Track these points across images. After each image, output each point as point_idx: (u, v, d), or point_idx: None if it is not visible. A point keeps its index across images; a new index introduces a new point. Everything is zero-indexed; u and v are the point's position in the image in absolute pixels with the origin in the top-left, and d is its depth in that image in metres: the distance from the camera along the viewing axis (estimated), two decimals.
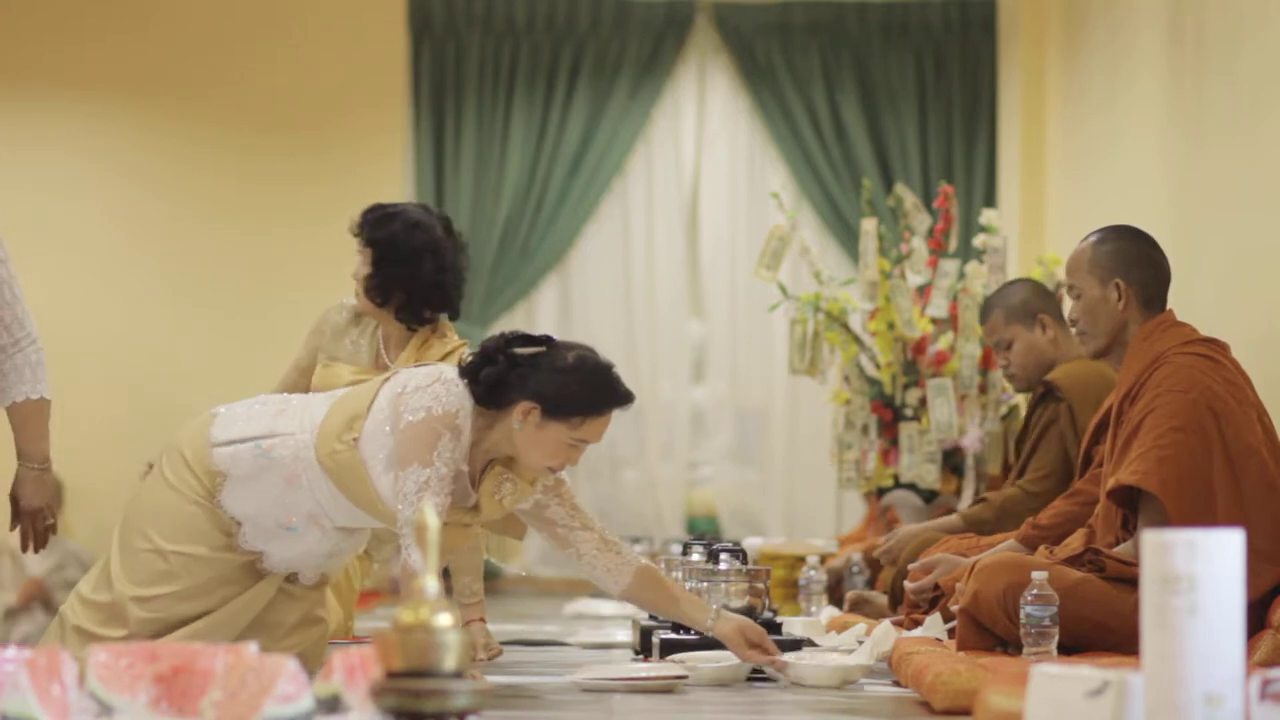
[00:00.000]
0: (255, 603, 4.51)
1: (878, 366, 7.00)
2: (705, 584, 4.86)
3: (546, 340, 4.41)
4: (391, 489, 4.31)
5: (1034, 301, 5.83)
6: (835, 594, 6.61)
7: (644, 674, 4.37)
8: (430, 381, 4.33)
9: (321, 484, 4.38)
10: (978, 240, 7.08)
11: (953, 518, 5.90)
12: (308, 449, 4.37)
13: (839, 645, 5.18)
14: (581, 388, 4.34)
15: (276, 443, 4.39)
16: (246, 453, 4.38)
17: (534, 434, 4.32)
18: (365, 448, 4.33)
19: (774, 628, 4.90)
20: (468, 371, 4.37)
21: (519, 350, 4.36)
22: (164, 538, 4.42)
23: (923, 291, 7.00)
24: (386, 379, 4.44)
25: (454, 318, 5.21)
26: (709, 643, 4.71)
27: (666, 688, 4.30)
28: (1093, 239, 4.73)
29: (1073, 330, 4.80)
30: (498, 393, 4.34)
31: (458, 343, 5.16)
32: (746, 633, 4.49)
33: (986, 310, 5.93)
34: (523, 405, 4.32)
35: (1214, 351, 4.59)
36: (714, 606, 4.59)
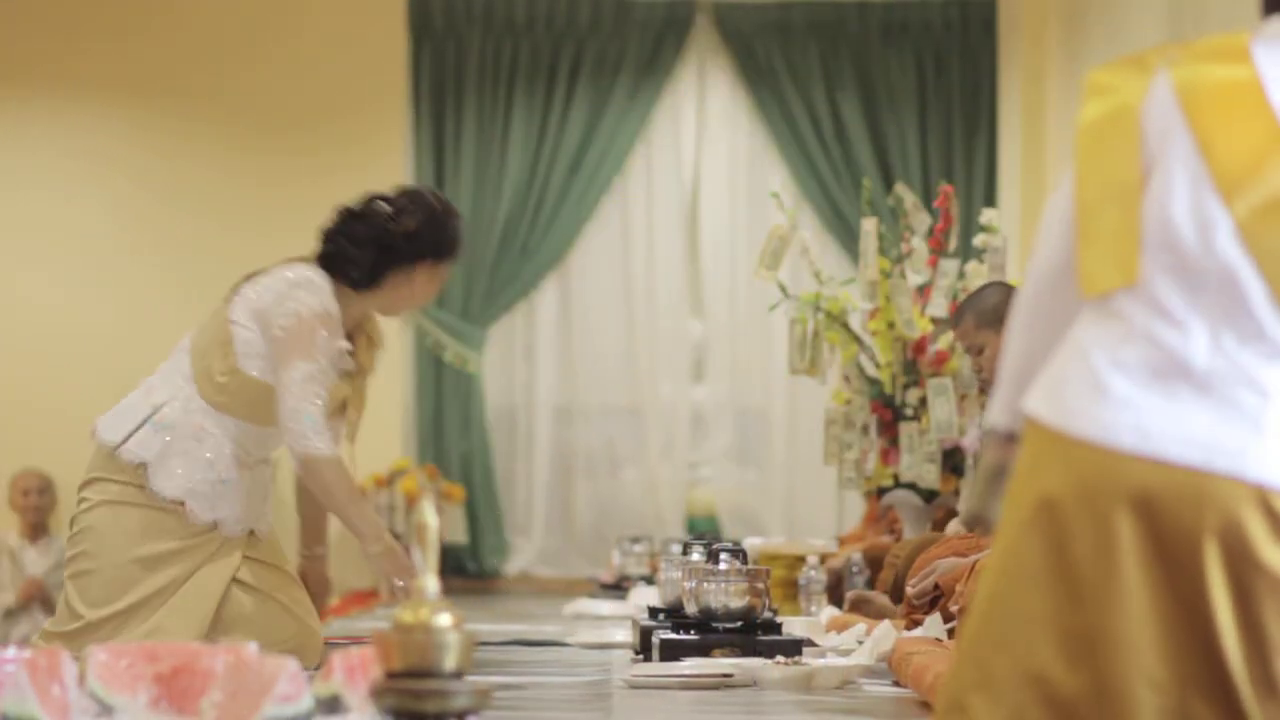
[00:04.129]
0: (222, 573, 4.53)
1: (878, 366, 7.00)
2: (706, 584, 4.86)
3: (378, 202, 4.55)
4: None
5: (1005, 307, 5.79)
6: (835, 594, 6.60)
7: (694, 672, 4.40)
8: (289, 288, 4.48)
9: (227, 423, 4.45)
10: (978, 240, 7.08)
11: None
12: (194, 399, 4.45)
13: (839, 645, 5.18)
14: (454, 221, 4.62)
15: (165, 412, 4.45)
16: (146, 434, 4.45)
17: (427, 282, 4.60)
18: (248, 365, 4.41)
19: (774, 628, 4.90)
20: (333, 265, 4.52)
21: (392, 227, 4.52)
22: (119, 550, 4.45)
23: (923, 291, 7.00)
24: (230, 300, 4.53)
25: None
26: (708, 643, 4.71)
27: (715, 685, 4.32)
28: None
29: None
30: (379, 274, 4.53)
31: None
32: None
33: (959, 314, 5.91)
34: (421, 267, 4.55)
35: None
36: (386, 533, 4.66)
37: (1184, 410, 2.38)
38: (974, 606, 2.48)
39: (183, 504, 4.45)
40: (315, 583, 4.89)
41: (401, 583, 4.54)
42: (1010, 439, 2.62)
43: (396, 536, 9.68)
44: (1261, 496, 2.37)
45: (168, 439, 4.44)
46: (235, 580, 4.61)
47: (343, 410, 4.66)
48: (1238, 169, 2.42)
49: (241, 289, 4.57)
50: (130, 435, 4.46)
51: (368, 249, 4.53)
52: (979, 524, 2.65)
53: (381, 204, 4.60)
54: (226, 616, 4.58)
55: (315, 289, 4.47)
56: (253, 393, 4.44)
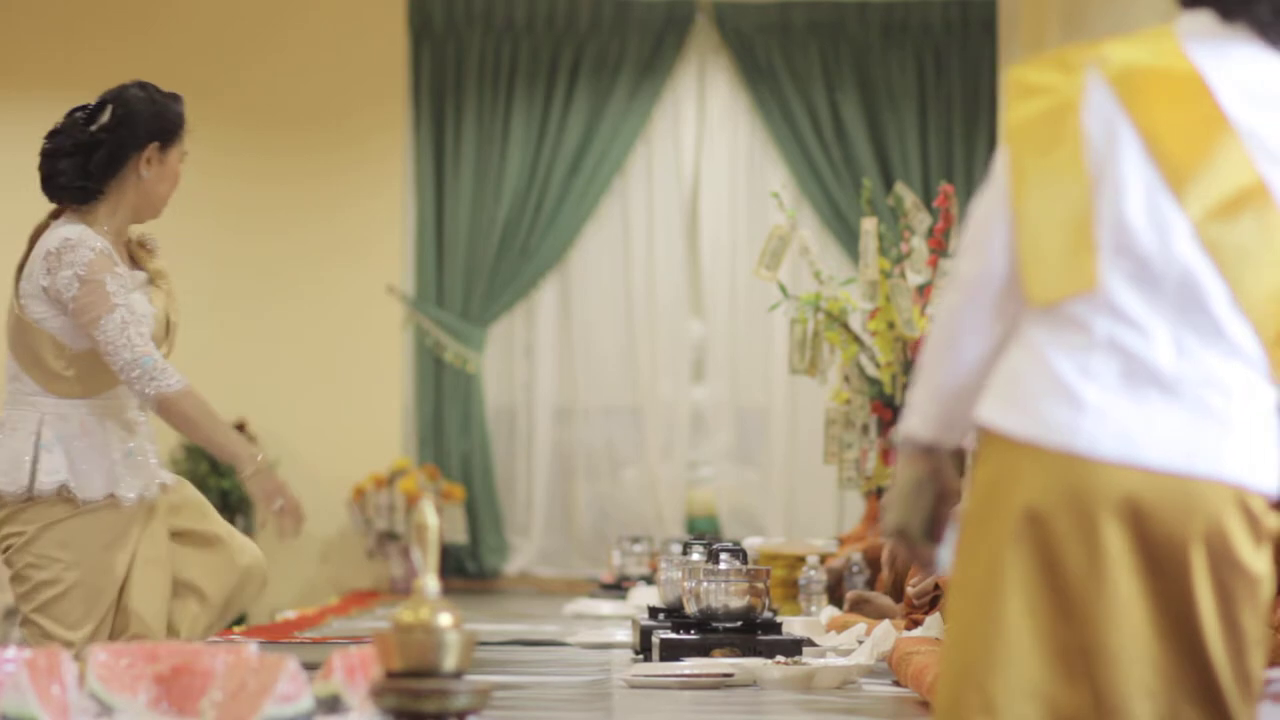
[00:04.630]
0: (159, 536, 4.53)
1: (878, 366, 7.00)
2: (706, 584, 4.86)
3: (75, 111, 4.60)
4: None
5: None
6: (835, 594, 6.60)
7: (692, 671, 4.39)
8: (53, 263, 4.47)
9: (95, 405, 4.48)
10: None
11: None
12: (57, 406, 4.46)
13: (839, 645, 5.18)
14: (168, 103, 4.59)
15: (44, 434, 4.45)
16: (46, 461, 4.45)
17: (160, 171, 4.59)
18: (80, 344, 4.42)
19: (774, 628, 4.90)
20: (56, 190, 4.56)
21: (91, 128, 4.56)
22: (76, 564, 4.44)
23: (923, 291, 7.00)
24: (17, 308, 4.53)
25: None
26: (708, 643, 4.71)
27: (715, 685, 4.32)
28: None
29: None
30: (104, 176, 4.53)
31: None
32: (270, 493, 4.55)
33: None
34: (144, 155, 4.54)
35: None
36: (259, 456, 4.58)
37: (1158, 415, 2.37)
38: (959, 623, 2.45)
39: (112, 495, 4.46)
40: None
41: (279, 503, 4.50)
42: (931, 451, 2.58)
43: (396, 537, 9.76)
44: (1239, 497, 2.38)
45: (66, 451, 4.45)
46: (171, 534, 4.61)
47: (167, 323, 4.65)
48: (1189, 167, 2.40)
49: (18, 290, 4.56)
50: (33, 473, 4.44)
51: (76, 157, 4.55)
52: (903, 538, 2.60)
53: (77, 112, 4.63)
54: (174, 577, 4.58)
55: (71, 244, 4.47)
56: (100, 362, 4.45)
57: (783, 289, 7.20)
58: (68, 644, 4.40)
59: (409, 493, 9.64)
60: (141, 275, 4.60)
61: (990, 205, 2.51)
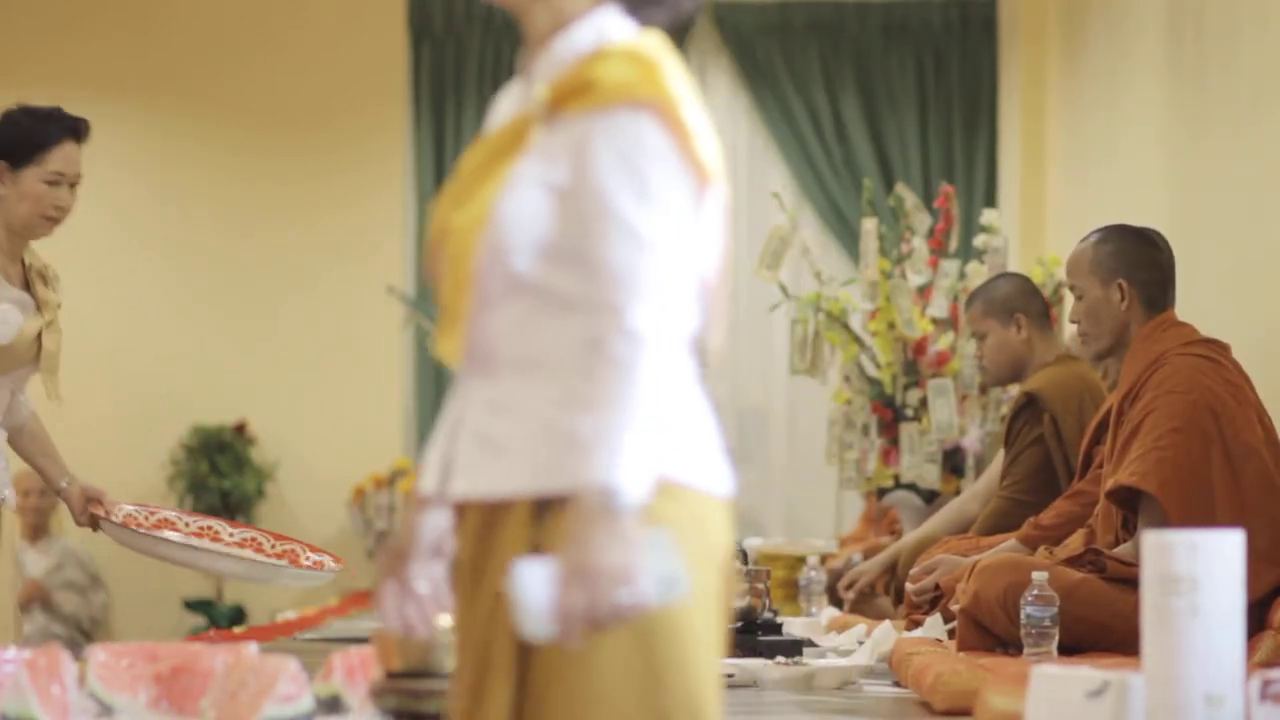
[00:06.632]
0: None
1: (878, 366, 7.00)
2: None
3: None
4: None
5: (1014, 299, 5.80)
6: (835, 594, 6.61)
7: None
8: None
9: None
10: (978, 240, 7.08)
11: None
12: None
13: (839, 645, 5.18)
14: (27, 123, 4.74)
15: None
16: None
17: (15, 191, 4.62)
18: None
19: (774, 628, 4.90)
20: None
21: None
22: None
23: (923, 291, 7.00)
24: None
25: None
26: None
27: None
28: (1093, 239, 4.73)
29: (1075, 330, 4.82)
30: None
31: None
32: (88, 492, 4.58)
33: (971, 299, 5.93)
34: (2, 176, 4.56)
35: (1214, 352, 4.59)
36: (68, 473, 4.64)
37: None
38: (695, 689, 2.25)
39: None
40: (80, 498, 4.78)
41: None
42: None
43: None
44: None
45: None
46: None
47: (37, 349, 4.65)
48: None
49: None
50: None
51: None
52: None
53: None
54: None
55: None
56: None
57: (783, 289, 7.20)
58: None
59: (409, 493, 9.64)
60: (23, 296, 4.60)
61: (678, 241, 2.21)
